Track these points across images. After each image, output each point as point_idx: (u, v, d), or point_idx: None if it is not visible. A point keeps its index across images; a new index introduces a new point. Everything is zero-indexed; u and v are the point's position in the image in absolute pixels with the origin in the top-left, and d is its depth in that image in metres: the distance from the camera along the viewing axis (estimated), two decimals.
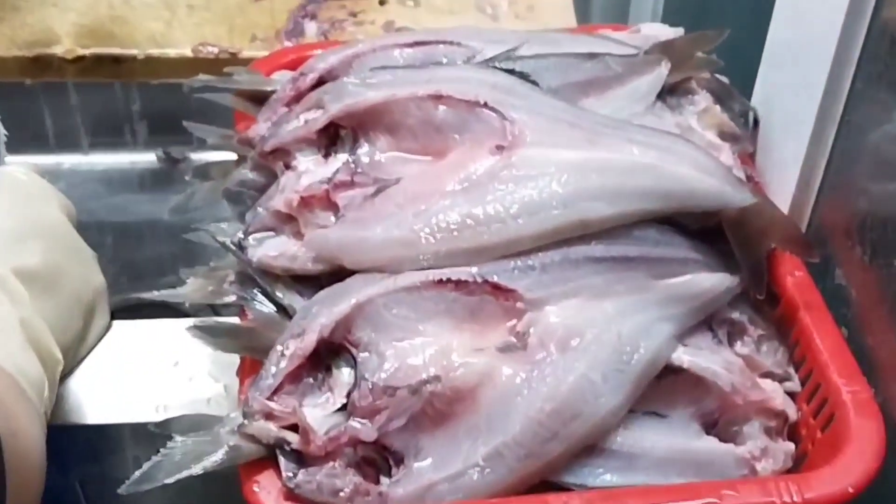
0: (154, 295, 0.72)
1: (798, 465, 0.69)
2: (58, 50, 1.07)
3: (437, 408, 0.64)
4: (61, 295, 0.76)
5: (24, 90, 1.13)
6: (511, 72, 0.74)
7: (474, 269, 0.67)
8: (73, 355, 0.79)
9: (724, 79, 0.84)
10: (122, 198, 1.30)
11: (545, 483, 0.64)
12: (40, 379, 0.69)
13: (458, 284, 0.66)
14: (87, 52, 1.06)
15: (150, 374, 0.81)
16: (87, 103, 1.24)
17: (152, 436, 0.64)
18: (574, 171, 0.68)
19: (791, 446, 0.69)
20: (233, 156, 0.82)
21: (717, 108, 0.80)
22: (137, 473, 0.60)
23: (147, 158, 1.29)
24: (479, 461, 0.63)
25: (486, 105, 0.71)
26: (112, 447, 0.80)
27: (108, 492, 0.67)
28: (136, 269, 1.21)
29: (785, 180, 0.78)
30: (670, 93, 0.80)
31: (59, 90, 1.20)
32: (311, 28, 1.09)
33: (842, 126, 0.73)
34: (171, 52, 1.06)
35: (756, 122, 0.83)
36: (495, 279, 0.66)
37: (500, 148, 0.70)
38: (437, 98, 0.72)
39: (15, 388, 0.65)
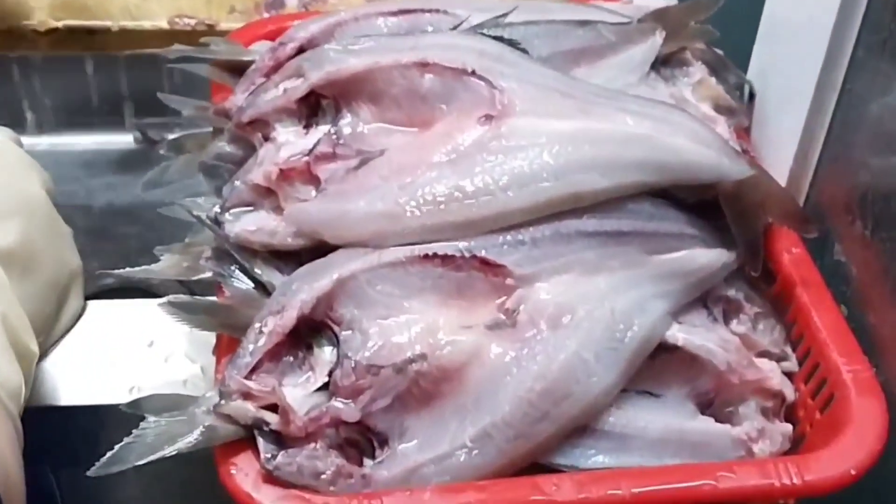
0: (128, 272, 0.69)
1: (796, 447, 0.67)
2: (31, 22, 1.03)
3: (422, 387, 0.61)
4: (38, 278, 0.73)
5: None
6: (500, 39, 0.71)
7: (462, 244, 0.64)
8: (45, 339, 0.76)
9: (719, 51, 0.82)
10: (99, 180, 1.27)
11: (535, 465, 0.62)
12: (18, 386, 0.65)
13: (445, 259, 0.64)
14: (60, 24, 1.03)
15: (124, 356, 0.78)
16: (61, 83, 1.21)
17: (127, 418, 0.61)
18: (566, 142, 0.66)
19: (789, 427, 0.67)
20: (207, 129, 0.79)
21: (713, 80, 0.78)
22: (108, 455, 0.58)
23: (125, 140, 1.27)
24: (467, 442, 0.60)
25: (473, 73, 0.69)
26: (85, 430, 0.77)
27: (81, 475, 0.64)
28: (113, 252, 1.18)
29: (782, 154, 0.75)
30: (664, 63, 0.78)
31: (34, 70, 1.17)
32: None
33: (842, 96, 0.71)
34: (147, 24, 1.03)
35: (752, 95, 0.80)
36: (484, 254, 0.64)
37: (488, 118, 0.67)
38: (423, 66, 0.69)
39: None
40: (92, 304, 0.83)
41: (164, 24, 1.03)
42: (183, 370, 0.77)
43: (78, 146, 1.26)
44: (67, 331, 0.80)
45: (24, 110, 1.22)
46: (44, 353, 0.77)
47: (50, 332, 0.77)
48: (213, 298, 0.68)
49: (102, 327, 0.81)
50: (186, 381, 0.76)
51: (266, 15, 1.04)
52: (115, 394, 0.75)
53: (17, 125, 1.22)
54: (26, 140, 1.23)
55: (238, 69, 0.81)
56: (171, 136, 0.79)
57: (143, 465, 0.58)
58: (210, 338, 0.67)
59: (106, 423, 0.76)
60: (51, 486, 0.82)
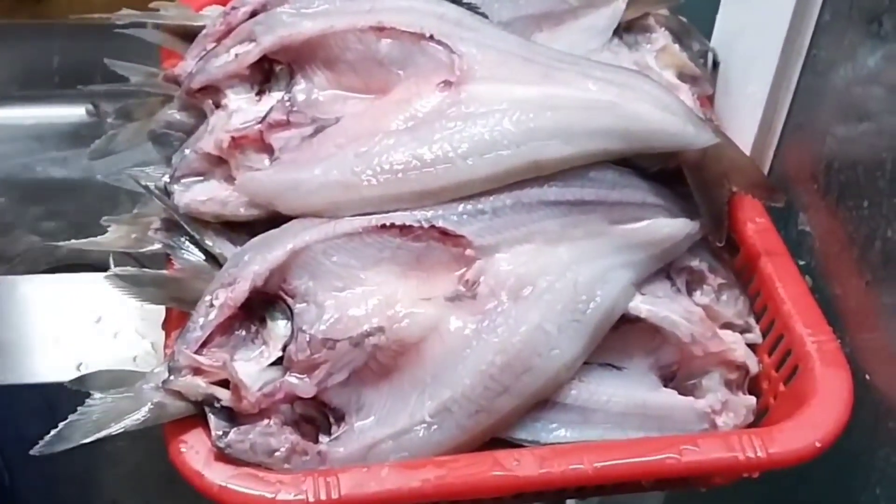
0: (73, 244, 0.67)
1: (759, 419, 0.66)
2: None
3: (380, 361, 0.60)
4: None
5: None
6: (458, 3, 0.69)
7: (420, 214, 0.62)
8: None
9: (683, 18, 0.80)
10: (50, 154, 1.24)
11: (496, 440, 0.61)
12: None
13: (403, 230, 0.62)
14: None
15: (71, 332, 0.76)
16: (9, 54, 1.18)
17: (75, 396, 0.59)
18: (527, 109, 0.64)
19: (752, 400, 0.66)
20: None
21: (676, 47, 0.76)
22: (52, 433, 0.55)
23: (77, 112, 1.24)
24: (426, 418, 0.59)
25: (432, 38, 0.66)
26: (33, 408, 0.74)
27: (26, 455, 0.62)
28: (65, 226, 1.16)
29: (746, 122, 0.74)
30: (627, 30, 0.76)
31: None
32: None
33: (807, 62, 0.69)
34: None
35: (716, 63, 0.79)
36: (443, 224, 0.62)
37: (447, 83, 0.66)
38: (380, 30, 0.67)
39: None
40: (34, 278, 0.81)
41: None
42: (132, 346, 0.75)
43: (28, 119, 1.23)
44: None
45: None
46: None
47: None
48: (163, 271, 0.65)
49: (49, 303, 0.78)
50: (136, 358, 0.74)
51: None
52: (62, 371, 0.73)
53: None
54: None
55: (189, 35, 0.78)
56: (120, 104, 0.76)
57: (90, 443, 0.56)
58: (159, 314, 0.65)
59: (54, 402, 0.74)
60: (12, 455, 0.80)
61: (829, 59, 0.68)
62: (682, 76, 0.76)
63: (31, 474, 0.80)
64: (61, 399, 0.74)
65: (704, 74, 0.77)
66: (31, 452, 0.56)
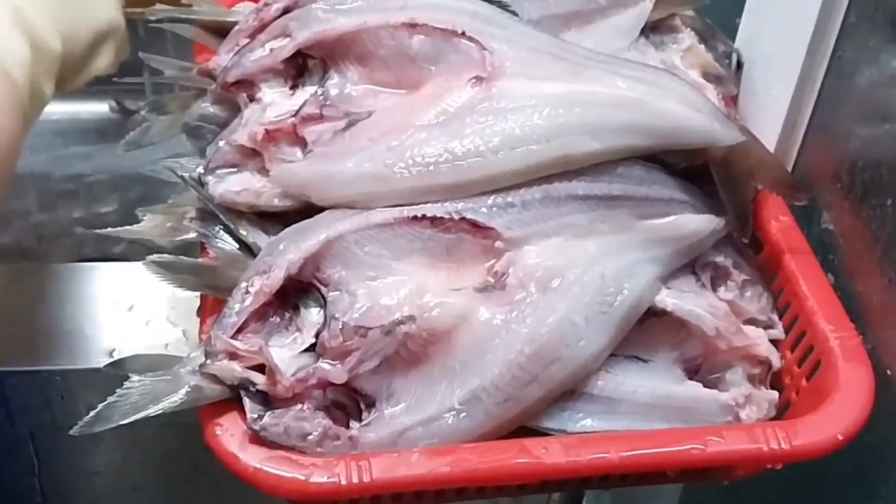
0: (109, 231, 0.68)
1: (781, 414, 0.67)
2: None
3: (410, 349, 0.61)
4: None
5: None
6: (490, 1, 0.70)
7: (451, 206, 0.63)
8: (73, 72, 0.72)
9: (708, 20, 0.81)
10: (75, 149, 1.26)
11: (523, 429, 0.62)
12: (24, 58, 0.63)
13: (434, 221, 0.63)
14: None
15: (105, 320, 0.77)
16: None
17: (105, 382, 0.60)
18: (557, 104, 0.65)
19: (775, 394, 0.67)
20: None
21: (702, 47, 0.77)
22: (91, 414, 0.56)
23: (100, 108, 1.25)
24: (455, 405, 0.60)
25: (463, 34, 0.68)
26: (65, 394, 0.76)
27: (59, 441, 0.63)
28: (89, 219, 1.17)
29: (770, 122, 0.75)
30: (653, 30, 0.77)
31: None
32: None
33: (832, 63, 0.70)
34: None
35: (739, 64, 0.80)
36: (473, 216, 0.63)
37: (478, 79, 0.67)
38: (412, 26, 0.68)
39: None
40: (71, 267, 0.82)
41: None
42: (164, 334, 0.76)
43: (53, 115, 1.25)
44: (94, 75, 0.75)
45: None
46: (23, 313, 0.75)
47: (79, 66, 0.72)
48: (198, 259, 0.66)
49: (82, 292, 0.80)
50: (168, 345, 0.75)
51: None
52: (95, 358, 0.74)
53: None
54: None
55: (222, 30, 0.79)
56: (152, 97, 0.77)
57: (126, 424, 0.57)
58: (192, 303, 0.66)
59: (86, 388, 0.75)
60: (28, 451, 0.81)
61: (854, 60, 0.69)
62: (707, 76, 0.77)
63: (60, 460, 0.82)
64: (93, 385, 0.75)
65: (729, 75, 0.78)
66: (71, 432, 0.57)
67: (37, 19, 0.65)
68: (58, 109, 1.26)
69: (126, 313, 0.77)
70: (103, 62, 0.75)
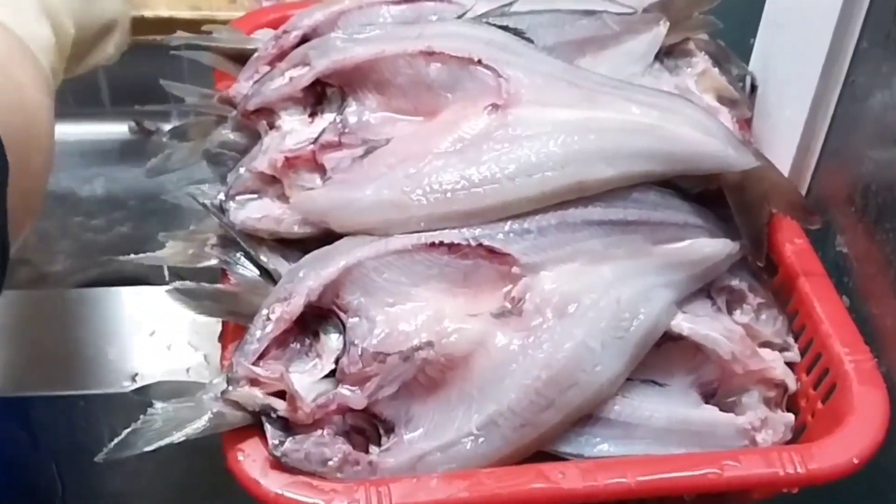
0: (132, 258, 0.69)
1: (797, 437, 0.67)
2: None
3: (429, 375, 0.61)
4: None
5: None
6: (505, 28, 0.71)
7: (468, 232, 0.64)
8: (78, 57, 0.74)
9: (721, 43, 0.82)
10: (94, 169, 1.27)
11: (541, 453, 0.62)
12: (49, 43, 0.65)
13: (452, 248, 0.64)
14: None
15: (126, 344, 0.78)
16: None
17: (128, 406, 0.61)
18: (572, 131, 0.66)
19: (791, 417, 0.68)
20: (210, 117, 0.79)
21: (716, 70, 0.78)
22: (116, 441, 0.57)
23: (120, 129, 1.27)
24: (473, 430, 0.61)
25: (480, 62, 0.69)
26: (88, 418, 0.77)
27: (83, 463, 0.64)
28: (107, 241, 1.19)
29: (784, 145, 0.76)
30: (668, 54, 0.78)
31: None
32: None
33: (845, 88, 0.71)
34: (147, 13, 1.02)
35: (754, 86, 0.80)
36: (490, 242, 0.64)
37: (494, 107, 0.68)
38: (429, 55, 0.69)
39: (25, 55, 0.62)
40: (93, 291, 0.83)
41: (163, 13, 1.02)
42: (186, 358, 0.77)
43: (73, 136, 1.26)
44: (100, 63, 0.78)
45: None
46: (44, 338, 0.76)
47: (86, 53, 0.75)
48: (219, 285, 0.67)
49: (104, 316, 0.81)
50: (190, 370, 0.76)
51: (266, 3, 1.03)
52: (118, 382, 0.75)
53: None
54: None
55: (241, 57, 0.81)
56: (174, 124, 0.79)
57: (151, 451, 0.58)
58: (213, 327, 0.67)
59: (109, 412, 0.76)
60: (52, 474, 0.82)
61: (867, 85, 0.69)
62: (721, 99, 0.78)
63: (83, 484, 0.83)
64: (116, 410, 0.76)
65: (743, 98, 0.79)
66: (97, 459, 0.58)
67: (59, 6, 0.67)
68: (78, 130, 1.27)
69: (148, 338, 0.78)
70: (108, 51, 0.77)
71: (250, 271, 0.67)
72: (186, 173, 0.77)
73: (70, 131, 1.26)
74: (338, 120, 0.70)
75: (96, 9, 0.74)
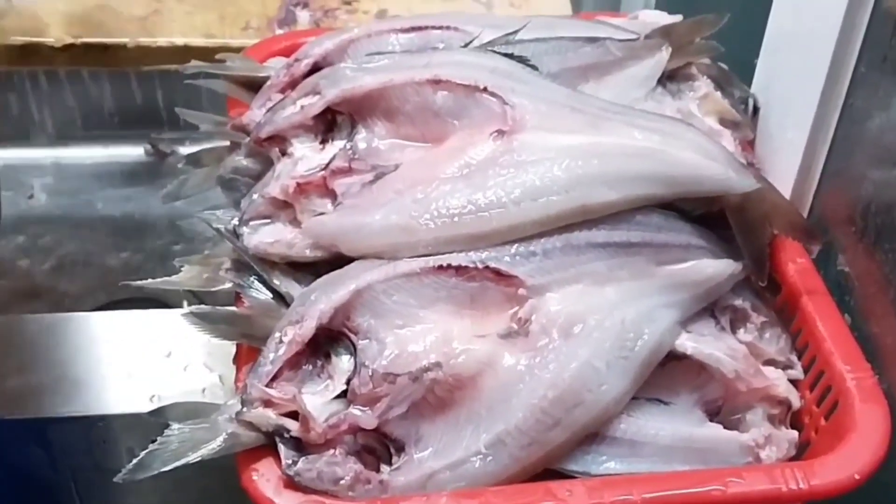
0: (148, 283, 0.71)
1: (801, 453, 0.68)
2: (46, 39, 1.05)
3: (438, 395, 0.63)
4: None
5: (9, 83, 1.12)
6: (510, 56, 0.73)
7: (475, 255, 0.66)
8: None
9: (724, 66, 0.83)
10: (109, 192, 1.29)
11: (548, 471, 0.63)
12: None
13: (459, 270, 0.65)
14: (76, 40, 1.05)
15: (143, 365, 0.80)
16: (72, 97, 1.23)
17: (145, 427, 0.63)
18: (576, 156, 0.67)
19: (795, 434, 0.69)
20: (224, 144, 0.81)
21: (718, 94, 0.79)
22: (133, 462, 0.59)
23: (135, 152, 1.28)
24: (481, 449, 0.62)
25: (485, 90, 0.70)
26: (105, 439, 0.78)
27: (101, 483, 0.65)
28: (122, 263, 1.20)
29: (786, 167, 0.77)
30: (670, 78, 0.79)
31: (50, 84, 1.18)
32: (303, 17, 1.07)
33: (844, 111, 0.72)
34: (162, 41, 1.05)
35: (756, 109, 0.82)
36: (496, 265, 0.65)
37: (500, 133, 0.69)
38: (436, 83, 0.71)
39: None
40: (108, 314, 0.85)
41: (178, 41, 1.04)
42: (201, 379, 0.78)
43: (88, 159, 1.28)
44: None
45: (37, 123, 1.24)
46: (62, 361, 0.77)
47: None
48: (233, 308, 0.69)
49: (121, 338, 0.82)
50: (205, 390, 0.77)
51: (278, 32, 1.06)
52: (135, 403, 0.77)
53: (30, 137, 1.24)
54: (38, 152, 1.26)
55: (254, 85, 0.82)
56: (189, 150, 0.80)
57: (167, 471, 0.60)
58: (227, 348, 0.69)
59: (127, 432, 0.78)
60: (71, 494, 0.83)
61: (865, 108, 0.71)
62: (724, 122, 0.79)
63: (101, 502, 0.84)
64: (134, 430, 0.78)
65: (745, 120, 0.80)
66: (115, 479, 0.59)
67: None
68: (93, 153, 1.29)
69: (164, 359, 0.80)
70: None
71: (263, 294, 0.69)
72: (201, 199, 0.79)
73: (86, 155, 1.28)
74: (348, 147, 0.71)
75: None
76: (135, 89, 1.20)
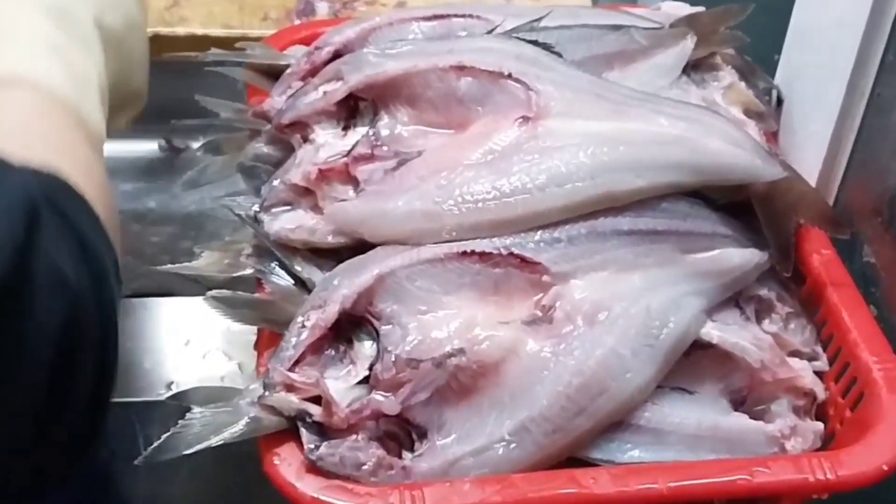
0: (168, 268, 0.71)
1: (825, 445, 0.68)
2: None
3: (461, 381, 0.62)
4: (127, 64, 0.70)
5: None
6: (534, 43, 0.73)
7: (499, 241, 0.65)
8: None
9: (747, 57, 0.83)
10: (125, 186, 1.28)
11: (572, 459, 0.63)
12: (101, 130, 0.64)
13: (483, 256, 0.65)
14: None
15: (161, 353, 0.80)
16: None
17: (163, 414, 0.62)
18: (602, 143, 0.67)
19: (820, 426, 0.68)
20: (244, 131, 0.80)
21: (742, 84, 0.79)
22: (155, 444, 0.59)
23: (149, 147, 1.28)
24: (505, 436, 0.61)
25: (510, 76, 0.70)
26: (124, 426, 0.78)
27: (119, 469, 0.65)
28: (140, 257, 1.20)
29: (811, 158, 0.77)
30: (694, 68, 0.79)
31: None
32: (322, 8, 1.07)
33: (871, 101, 0.72)
34: (180, 31, 1.04)
35: (780, 100, 0.81)
36: (520, 251, 0.65)
37: (525, 119, 0.69)
38: (460, 69, 0.70)
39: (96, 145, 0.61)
40: (126, 301, 0.84)
41: (197, 31, 1.04)
42: (220, 367, 0.78)
43: (108, 153, 1.27)
44: None
45: None
46: None
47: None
48: (255, 294, 0.69)
49: (141, 326, 0.82)
50: (224, 378, 0.77)
51: (297, 22, 1.05)
52: (153, 390, 0.77)
53: None
54: None
55: (274, 73, 0.82)
56: (208, 138, 0.80)
57: (188, 454, 0.59)
58: (246, 336, 0.69)
59: (145, 419, 0.77)
60: (87, 482, 0.83)
61: (892, 98, 0.70)
62: (748, 113, 0.79)
63: (119, 490, 0.84)
64: (152, 418, 0.78)
65: (769, 111, 0.80)
66: (136, 462, 0.59)
67: (105, 85, 0.65)
68: (108, 148, 1.29)
69: (183, 347, 0.80)
70: (120, 123, 0.77)
71: (285, 280, 0.69)
72: (222, 186, 0.78)
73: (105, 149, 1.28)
74: (370, 133, 0.71)
75: (128, 83, 0.72)
76: (153, 83, 1.20)
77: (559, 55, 0.73)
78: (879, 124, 0.72)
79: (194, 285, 0.71)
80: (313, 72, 0.78)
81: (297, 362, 0.62)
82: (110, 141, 1.33)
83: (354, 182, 0.70)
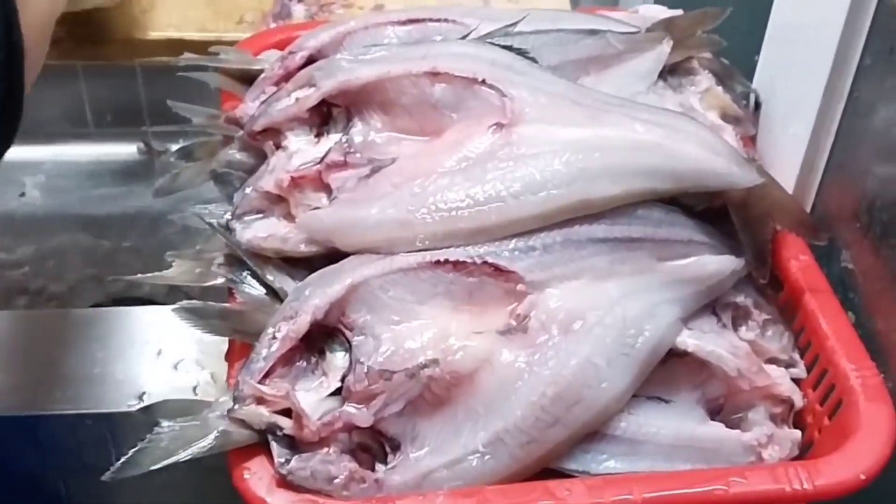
0: (139, 277, 0.70)
1: (803, 453, 0.67)
2: None
3: (435, 392, 0.61)
4: None
5: None
6: (509, 48, 0.72)
7: (473, 250, 0.64)
8: None
9: (725, 61, 0.82)
10: (102, 190, 1.28)
11: (547, 470, 0.62)
12: None
13: (457, 265, 0.64)
14: (65, 34, 1.03)
15: (134, 363, 0.79)
16: (64, 93, 1.22)
17: (136, 425, 0.62)
18: (577, 149, 0.66)
19: (797, 434, 0.67)
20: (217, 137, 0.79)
21: (720, 89, 0.78)
22: (122, 459, 0.58)
23: (127, 150, 1.27)
24: (479, 447, 0.61)
25: (484, 82, 0.69)
26: (95, 437, 0.77)
27: (90, 482, 0.64)
28: (116, 261, 1.19)
29: (788, 162, 0.76)
30: (671, 72, 0.78)
31: (39, 78, 1.17)
32: (298, 10, 1.06)
33: (849, 103, 0.71)
34: (153, 35, 1.03)
35: (758, 104, 0.81)
36: (495, 260, 0.64)
37: (499, 126, 0.68)
38: (434, 75, 0.69)
39: None
40: (98, 311, 0.83)
41: (172, 34, 1.03)
42: (192, 377, 0.77)
43: (81, 156, 1.27)
44: None
45: (28, 120, 1.22)
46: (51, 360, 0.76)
47: None
48: (226, 304, 0.68)
49: (111, 335, 0.81)
50: (196, 388, 0.76)
51: (273, 25, 1.04)
52: (125, 401, 0.76)
53: (20, 134, 1.22)
54: (29, 149, 1.25)
55: (248, 78, 0.81)
56: (180, 144, 0.79)
57: (157, 469, 0.58)
58: (219, 345, 0.68)
59: (116, 431, 0.77)
60: (59, 491, 0.82)
61: (870, 101, 0.69)
62: (726, 117, 0.78)
63: (91, 501, 0.83)
64: (124, 429, 0.77)
65: (747, 115, 0.79)
66: (103, 478, 0.58)
67: None
68: (86, 151, 1.28)
69: (155, 357, 0.79)
70: None
71: (256, 290, 0.68)
72: (193, 193, 0.77)
73: (77, 152, 1.27)
74: (343, 140, 0.70)
75: None
76: (127, 86, 1.19)
77: (534, 60, 0.72)
78: (858, 127, 0.71)
79: (166, 292, 0.71)
80: (287, 77, 0.77)
81: (267, 374, 0.61)
82: (86, 144, 1.32)
83: (327, 189, 0.69)
